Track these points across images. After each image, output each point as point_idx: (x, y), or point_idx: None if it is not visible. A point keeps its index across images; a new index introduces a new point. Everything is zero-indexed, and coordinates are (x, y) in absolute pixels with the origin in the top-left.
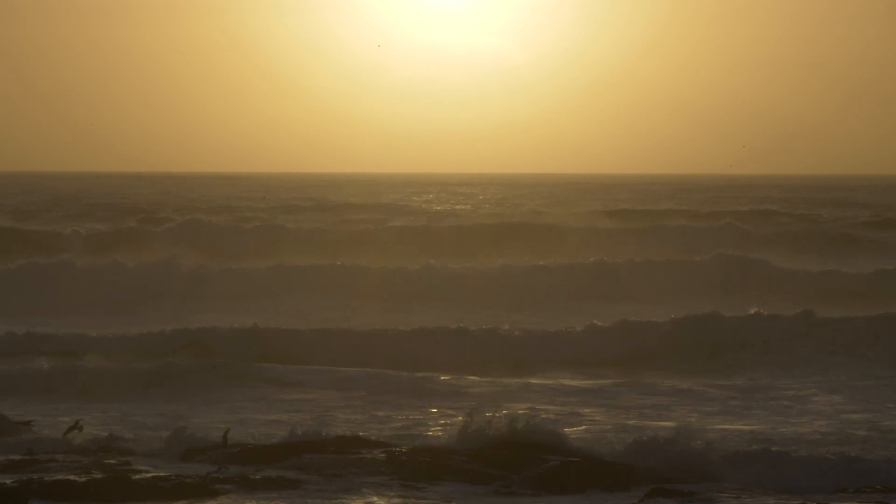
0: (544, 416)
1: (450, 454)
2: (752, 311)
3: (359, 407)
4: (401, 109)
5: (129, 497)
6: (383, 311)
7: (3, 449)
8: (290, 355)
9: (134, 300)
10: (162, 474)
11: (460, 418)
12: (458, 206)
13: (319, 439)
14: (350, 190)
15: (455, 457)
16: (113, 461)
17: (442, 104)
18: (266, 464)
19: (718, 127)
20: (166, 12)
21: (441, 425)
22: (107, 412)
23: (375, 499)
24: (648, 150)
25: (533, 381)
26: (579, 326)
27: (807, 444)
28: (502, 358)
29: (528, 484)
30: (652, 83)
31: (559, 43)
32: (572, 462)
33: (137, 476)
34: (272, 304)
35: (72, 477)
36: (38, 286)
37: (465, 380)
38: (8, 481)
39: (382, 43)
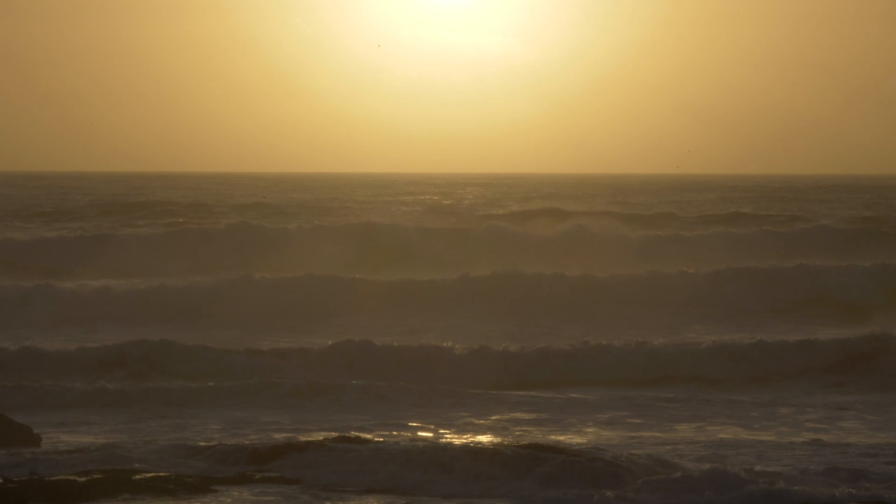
0: None
1: (449, 454)
2: None
3: (359, 409)
4: (404, 109)
5: (128, 497)
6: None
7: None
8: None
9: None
10: (162, 474)
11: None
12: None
13: (320, 440)
14: (391, 188)
15: (454, 457)
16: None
17: (445, 104)
18: (266, 464)
19: (719, 127)
20: (168, 12)
21: (441, 427)
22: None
23: (375, 498)
24: (649, 150)
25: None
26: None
27: None
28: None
29: (528, 484)
30: (654, 82)
31: (561, 42)
32: (573, 461)
33: (137, 476)
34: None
35: (72, 477)
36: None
37: (496, 392)
38: (8, 482)
39: (385, 42)
